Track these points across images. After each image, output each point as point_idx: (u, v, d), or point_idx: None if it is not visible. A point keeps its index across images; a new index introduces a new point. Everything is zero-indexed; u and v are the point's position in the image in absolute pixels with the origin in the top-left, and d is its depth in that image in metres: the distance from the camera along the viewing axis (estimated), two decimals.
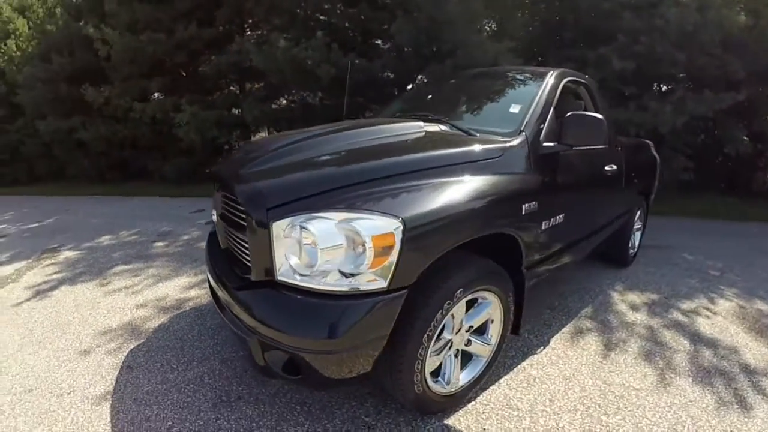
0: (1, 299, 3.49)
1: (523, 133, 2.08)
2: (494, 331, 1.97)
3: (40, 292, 3.58)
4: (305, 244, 1.42)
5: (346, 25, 6.73)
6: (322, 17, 6.84)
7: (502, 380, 2.17)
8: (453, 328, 1.76)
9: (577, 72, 2.98)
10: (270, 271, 1.49)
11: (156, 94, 9.45)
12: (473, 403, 1.98)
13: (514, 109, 2.29)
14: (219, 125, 8.24)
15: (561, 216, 2.18)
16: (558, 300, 3.11)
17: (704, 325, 2.84)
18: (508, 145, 1.99)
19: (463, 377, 1.91)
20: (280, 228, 1.44)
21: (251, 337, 1.52)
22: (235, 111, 9.18)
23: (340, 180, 1.55)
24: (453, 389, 1.85)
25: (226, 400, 2.03)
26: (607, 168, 2.79)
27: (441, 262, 1.56)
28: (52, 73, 9.48)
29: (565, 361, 2.37)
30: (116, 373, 2.31)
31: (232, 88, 10.19)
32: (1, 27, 11.77)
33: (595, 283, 3.47)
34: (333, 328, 1.38)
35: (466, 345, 1.89)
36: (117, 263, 4.19)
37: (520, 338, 2.55)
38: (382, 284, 1.40)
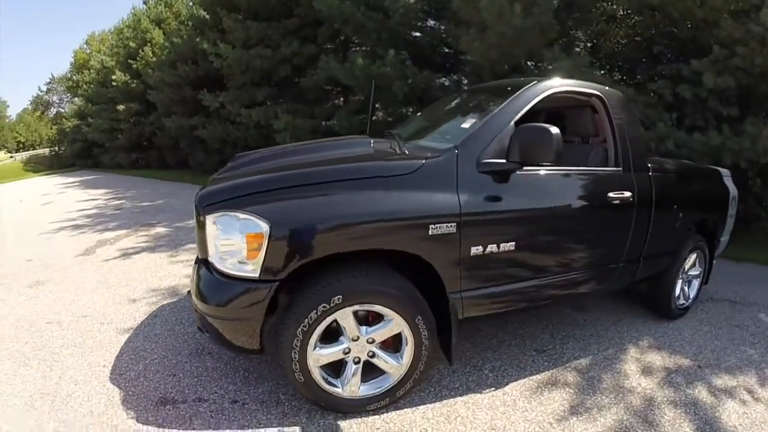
0: (97, 255, 4.54)
1: (454, 150, 1.92)
2: (407, 353, 1.92)
3: (125, 254, 4.51)
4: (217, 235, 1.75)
5: (430, 41, 6.93)
6: (408, 33, 7.05)
7: (422, 407, 2.01)
8: (348, 334, 1.83)
9: (589, 83, 2.58)
10: (206, 252, 1.83)
11: (269, 103, 10.71)
12: (375, 417, 1.94)
13: (466, 124, 2.18)
14: (313, 133, 9.00)
15: (509, 244, 1.96)
16: (554, 343, 2.65)
17: (731, 413, 2.09)
18: (423, 162, 1.87)
19: (365, 389, 1.93)
20: (209, 221, 1.76)
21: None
22: (334, 122, 9.94)
23: (255, 187, 1.79)
24: (348, 395, 1.90)
25: (199, 351, 2.48)
26: (612, 195, 2.32)
27: (333, 267, 1.77)
28: (178, 78, 11.40)
29: (508, 410, 2.03)
30: (144, 318, 2.93)
31: (336, 101, 11.04)
32: (140, 36, 14.53)
33: (618, 332, 2.84)
34: (218, 299, 1.75)
35: (370, 356, 1.90)
36: (191, 242, 4.88)
37: (476, 372, 2.30)
38: (255, 274, 1.67)
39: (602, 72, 6.48)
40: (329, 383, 1.87)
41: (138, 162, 16.21)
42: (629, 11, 6.37)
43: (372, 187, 1.77)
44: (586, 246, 2.37)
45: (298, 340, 1.73)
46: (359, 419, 1.90)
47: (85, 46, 27.29)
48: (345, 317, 1.79)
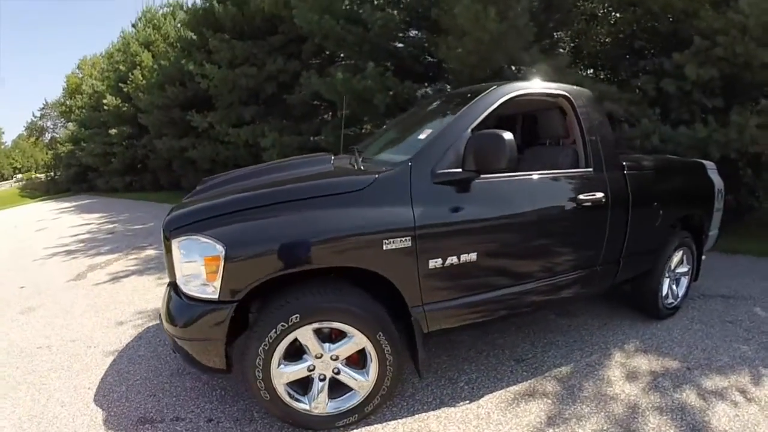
0: (88, 280, 4.62)
1: (407, 163, 1.90)
2: (373, 369, 1.91)
3: (115, 278, 4.55)
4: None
5: (411, 51, 6.93)
6: (390, 44, 7.05)
7: (392, 422, 1.99)
8: (311, 352, 1.84)
9: (556, 84, 2.53)
10: (174, 276, 1.87)
11: (257, 121, 10.69)
12: None
13: (423, 135, 2.15)
14: (301, 149, 8.97)
15: (470, 255, 1.92)
16: (535, 351, 2.57)
17: (721, 416, 1.99)
18: (375, 177, 1.85)
19: (333, 405, 1.93)
20: (174, 245, 1.79)
21: None
22: (322, 137, 9.94)
23: (214, 211, 1.82)
24: (317, 412, 1.90)
25: (179, 372, 2.52)
26: (582, 197, 2.24)
27: (295, 286, 1.80)
28: (167, 100, 11.48)
29: (481, 423, 1.97)
30: (129, 340, 3.02)
31: (323, 116, 11.03)
32: (130, 59, 14.66)
33: (603, 337, 2.74)
34: (183, 320, 1.79)
35: (335, 373, 1.90)
36: None
37: (451, 385, 2.25)
38: (215, 295, 1.70)
39: (585, 72, 6.53)
40: (296, 400, 1.88)
41: (132, 185, 16.29)
42: (609, 8, 6.43)
43: (323, 205, 1.77)
44: (558, 251, 2.29)
45: (260, 358, 1.76)
46: None
47: (77, 70, 27.47)
48: (305, 335, 1.79)
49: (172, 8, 16.21)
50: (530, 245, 2.16)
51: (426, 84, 6.86)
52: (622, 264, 2.55)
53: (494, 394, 2.18)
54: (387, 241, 1.75)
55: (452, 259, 1.88)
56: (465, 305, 2.02)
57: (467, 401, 2.13)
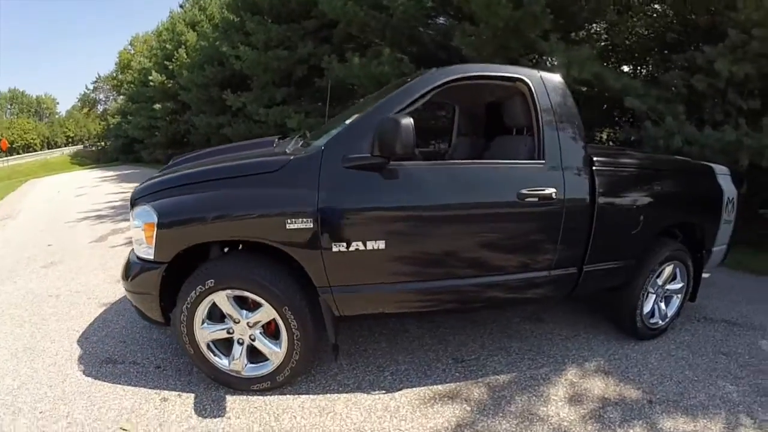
0: (107, 242, 5.16)
1: (321, 147, 1.94)
2: (283, 341, 2.02)
3: (130, 241, 4.83)
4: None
5: (433, 38, 6.84)
6: (415, 30, 7.01)
7: (303, 396, 2.09)
8: (229, 316, 2.03)
9: (515, 67, 2.35)
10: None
11: (288, 102, 10.90)
12: (259, 397, 2.09)
13: (350, 119, 2.14)
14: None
15: (377, 243, 1.90)
16: (481, 353, 2.46)
17: None
18: (289, 160, 1.95)
19: (250, 369, 2.10)
20: (132, 213, 2.11)
21: None
22: None
23: (160, 186, 2.12)
24: (235, 372, 2.09)
25: (150, 326, 2.74)
26: (526, 191, 2.06)
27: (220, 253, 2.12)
28: (205, 79, 11.94)
29: (385, 415, 1.97)
30: (122, 296, 3.33)
31: (358, 100, 11.05)
32: (176, 38, 15.30)
33: (565, 350, 2.54)
34: (129, 275, 2.10)
35: (252, 340, 2.07)
36: None
37: (376, 373, 2.27)
38: (151, 256, 1.98)
39: (615, 65, 6.20)
40: (219, 357, 2.09)
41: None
42: None
43: (240, 184, 1.95)
44: (491, 248, 2.14)
45: (184, 315, 2.00)
46: (244, 396, 2.09)
47: (129, 47, 28.94)
48: (221, 300, 1.98)
49: None
50: (454, 239, 2.05)
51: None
52: (585, 272, 2.33)
53: (414, 389, 2.15)
54: (290, 221, 1.84)
55: (357, 245, 1.89)
56: (378, 293, 2.02)
57: (383, 391, 2.13)
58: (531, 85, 2.25)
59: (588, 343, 2.66)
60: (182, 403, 2.06)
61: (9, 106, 54.93)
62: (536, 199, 2.10)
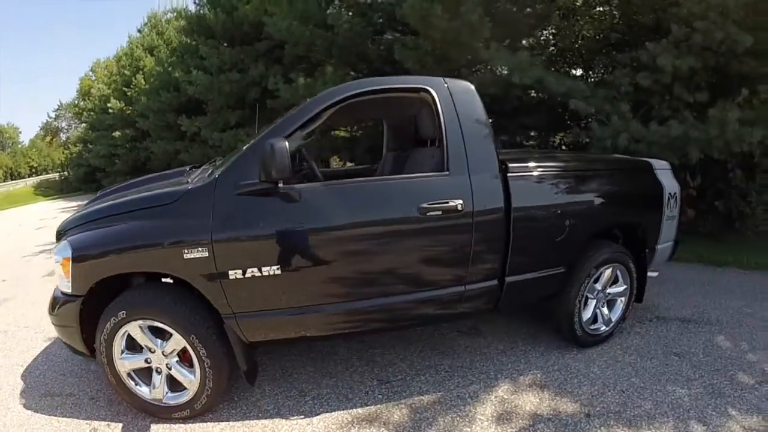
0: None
1: (215, 176, 1.93)
2: (197, 369, 2.01)
3: None
4: None
5: (380, 54, 6.67)
6: (363, 47, 6.83)
7: (223, 423, 2.08)
8: (145, 346, 2.03)
9: (418, 77, 2.30)
10: None
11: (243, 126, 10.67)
12: (181, 425, 2.09)
13: (246, 145, 2.14)
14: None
15: (272, 268, 1.86)
16: (407, 373, 2.37)
17: None
18: (186, 190, 1.96)
19: (171, 397, 2.10)
20: (55, 248, 2.11)
21: None
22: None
23: (77, 221, 2.18)
24: (157, 402, 2.09)
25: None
26: (427, 205, 1.97)
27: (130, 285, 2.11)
28: (162, 104, 11.64)
29: None
30: None
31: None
32: (134, 64, 14.97)
33: (500, 364, 2.40)
34: (53, 309, 2.13)
35: (169, 369, 2.06)
36: None
37: (298, 398, 2.22)
38: (69, 290, 2.00)
39: (561, 69, 6.10)
40: (140, 387, 2.09)
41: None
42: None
43: (142, 217, 1.97)
44: (392, 268, 2.04)
45: (103, 347, 2.01)
46: (168, 425, 2.09)
47: (90, 73, 28.12)
48: (134, 330, 1.99)
49: (175, 14, 16.47)
50: (353, 259, 1.98)
51: None
52: (508, 285, 2.21)
53: (334, 414, 2.09)
54: (186, 251, 1.83)
55: (253, 271, 1.86)
56: (282, 318, 1.98)
57: (302, 416, 2.09)
58: (434, 94, 2.16)
59: (525, 356, 2.51)
60: None
61: None
62: (440, 213, 1.99)
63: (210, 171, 2.28)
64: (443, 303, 2.15)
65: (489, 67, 4.66)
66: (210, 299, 1.91)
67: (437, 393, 2.19)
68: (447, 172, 2.07)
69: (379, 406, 2.12)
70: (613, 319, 2.64)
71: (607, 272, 2.54)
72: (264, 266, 1.86)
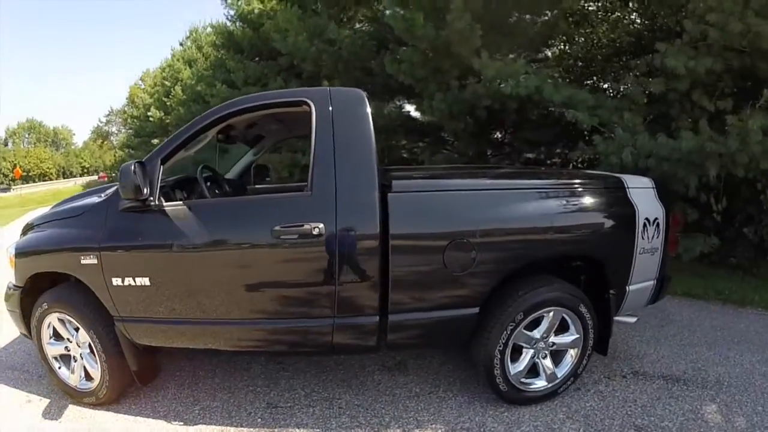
0: None
1: (115, 188, 2.11)
2: (98, 362, 2.20)
3: None
4: None
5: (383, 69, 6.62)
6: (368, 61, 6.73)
7: (117, 415, 2.24)
8: (63, 336, 2.31)
9: (300, 89, 2.36)
10: None
11: None
12: (89, 409, 2.30)
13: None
14: (292, 166, 8.85)
15: (142, 279, 2.01)
16: (297, 402, 2.28)
17: None
18: (94, 203, 2.22)
19: (83, 384, 2.32)
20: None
21: None
22: None
23: (34, 222, 2.48)
24: (72, 385, 2.34)
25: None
26: (280, 228, 1.84)
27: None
28: (192, 116, 11.95)
29: None
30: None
31: None
32: (174, 75, 15.68)
33: (405, 409, 2.16)
34: (4, 296, 2.47)
35: (81, 358, 2.29)
36: None
37: (190, 407, 2.30)
38: (15, 282, 2.36)
39: (566, 78, 5.67)
40: (63, 371, 2.34)
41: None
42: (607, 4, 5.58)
43: (61, 225, 2.25)
44: (253, 292, 2.00)
45: (34, 332, 2.31)
46: (81, 408, 2.30)
47: (140, 81, 30.04)
48: (54, 321, 2.26)
49: (214, 29, 17.27)
50: (214, 280, 2.01)
51: (396, 100, 6.48)
52: (393, 324, 1.97)
53: (209, 427, 2.13)
54: (83, 257, 2.05)
55: (129, 280, 2.02)
56: (158, 327, 2.12)
57: (182, 423, 2.16)
58: (312, 106, 2.03)
59: (438, 405, 2.19)
60: (38, 405, 2.37)
61: (27, 136, 57.85)
62: (295, 237, 1.85)
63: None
64: (313, 334, 2.03)
65: (482, 77, 4.38)
66: (103, 301, 2.09)
67: (315, 429, 2.07)
68: (309, 192, 1.92)
69: (251, 428, 2.11)
70: (558, 375, 2.18)
71: (549, 315, 2.10)
72: (137, 276, 2.01)
